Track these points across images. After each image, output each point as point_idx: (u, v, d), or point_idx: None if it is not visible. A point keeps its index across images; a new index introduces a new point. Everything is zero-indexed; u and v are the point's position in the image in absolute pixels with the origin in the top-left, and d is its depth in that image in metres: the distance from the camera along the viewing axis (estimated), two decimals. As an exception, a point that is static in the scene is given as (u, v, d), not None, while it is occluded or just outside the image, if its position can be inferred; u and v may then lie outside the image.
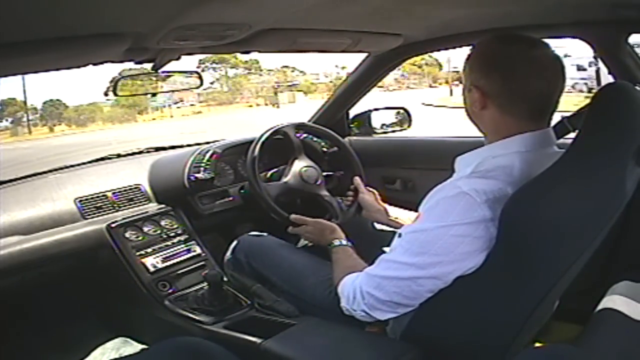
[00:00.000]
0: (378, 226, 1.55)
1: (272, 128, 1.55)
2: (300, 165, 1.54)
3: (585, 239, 0.85)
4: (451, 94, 21.90)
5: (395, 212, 1.48)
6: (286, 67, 32.62)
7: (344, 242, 1.23)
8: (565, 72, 0.90)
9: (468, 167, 0.92)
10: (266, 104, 29.35)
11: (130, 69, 1.55)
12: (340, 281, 1.03)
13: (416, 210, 0.96)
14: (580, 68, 15.61)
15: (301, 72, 32.52)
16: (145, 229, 1.51)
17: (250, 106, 29.75)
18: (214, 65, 30.09)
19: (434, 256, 0.86)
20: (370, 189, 1.55)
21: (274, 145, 1.53)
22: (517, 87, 0.88)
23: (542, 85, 0.88)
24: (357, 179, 1.58)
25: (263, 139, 1.50)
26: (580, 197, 0.80)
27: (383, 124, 2.08)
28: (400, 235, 0.93)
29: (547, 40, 0.92)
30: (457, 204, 0.84)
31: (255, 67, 31.73)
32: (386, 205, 1.50)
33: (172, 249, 1.50)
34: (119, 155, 1.92)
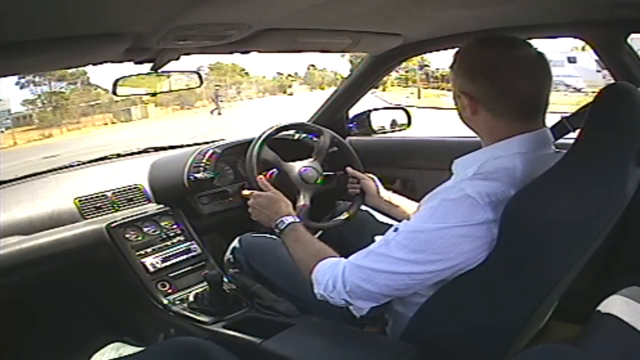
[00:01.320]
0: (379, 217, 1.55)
1: (274, 126, 1.55)
2: (304, 163, 1.54)
3: (587, 240, 0.85)
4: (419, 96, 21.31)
5: (397, 199, 1.48)
6: (90, 84, 29.66)
7: (296, 219, 1.17)
8: (551, 69, 0.91)
9: (469, 169, 0.91)
10: (122, 121, 25.84)
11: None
12: (313, 267, 1.01)
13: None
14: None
15: (105, 90, 28.91)
16: (145, 229, 1.51)
17: (106, 124, 26.22)
18: (36, 80, 26.17)
19: (433, 254, 0.86)
20: (370, 175, 1.54)
21: (274, 145, 1.52)
22: (503, 90, 0.88)
23: (528, 85, 0.88)
24: (349, 170, 1.54)
25: (263, 137, 1.50)
26: (581, 198, 0.80)
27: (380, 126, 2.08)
28: (396, 230, 0.92)
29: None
30: (461, 207, 0.84)
31: (82, 78, 28.61)
32: (389, 193, 1.50)
33: (171, 249, 1.50)
34: (119, 155, 1.92)
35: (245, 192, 1.32)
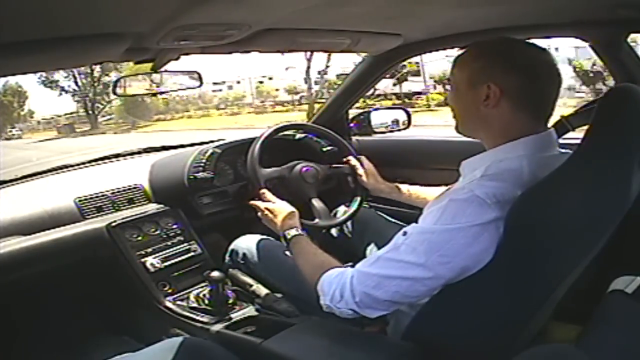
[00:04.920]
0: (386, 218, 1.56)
1: (274, 126, 1.55)
2: (302, 164, 1.55)
3: (591, 241, 0.85)
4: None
5: (405, 188, 1.50)
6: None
7: (301, 231, 1.19)
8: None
9: (476, 171, 0.91)
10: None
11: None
12: (319, 278, 1.00)
13: (417, 209, 0.95)
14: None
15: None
16: (145, 229, 1.51)
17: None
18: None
19: (443, 257, 0.85)
20: (368, 165, 1.55)
21: (274, 145, 1.53)
22: (536, 87, 0.90)
23: (553, 89, 0.92)
24: (351, 159, 1.57)
25: (263, 137, 1.50)
26: (586, 200, 0.80)
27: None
28: (405, 234, 0.91)
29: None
30: (469, 206, 0.84)
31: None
32: (390, 185, 1.52)
33: (172, 249, 1.50)
34: (119, 155, 1.93)
35: (253, 202, 1.36)
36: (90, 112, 23.38)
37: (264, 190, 1.36)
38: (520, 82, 0.89)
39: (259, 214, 1.33)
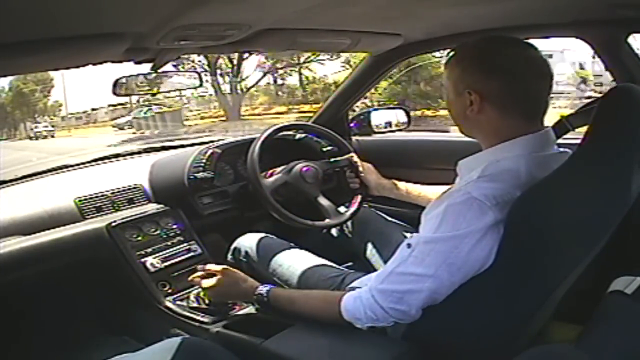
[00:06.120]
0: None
1: (275, 126, 1.55)
2: (301, 164, 1.55)
3: (591, 241, 0.85)
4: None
5: (401, 183, 1.49)
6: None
7: (269, 286, 1.13)
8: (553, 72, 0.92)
9: (473, 172, 0.90)
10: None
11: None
12: (339, 311, 0.96)
13: (416, 208, 0.95)
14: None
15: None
16: (145, 229, 1.51)
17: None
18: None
19: (452, 265, 0.85)
20: (366, 164, 1.55)
21: (274, 146, 1.53)
22: (519, 88, 0.88)
23: (540, 86, 0.90)
24: (352, 156, 1.56)
25: (264, 137, 1.50)
26: (587, 200, 0.80)
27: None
28: (409, 246, 0.90)
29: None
30: (468, 210, 0.83)
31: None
32: (391, 180, 1.51)
33: (172, 249, 1.50)
34: (119, 155, 1.93)
35: (192, 279, 1.26)
36: (228, 94, 14.71)
37: (209, 267, 1.23)
38: (500, 85, 0.88)
39: (208, 284, 1.20)
